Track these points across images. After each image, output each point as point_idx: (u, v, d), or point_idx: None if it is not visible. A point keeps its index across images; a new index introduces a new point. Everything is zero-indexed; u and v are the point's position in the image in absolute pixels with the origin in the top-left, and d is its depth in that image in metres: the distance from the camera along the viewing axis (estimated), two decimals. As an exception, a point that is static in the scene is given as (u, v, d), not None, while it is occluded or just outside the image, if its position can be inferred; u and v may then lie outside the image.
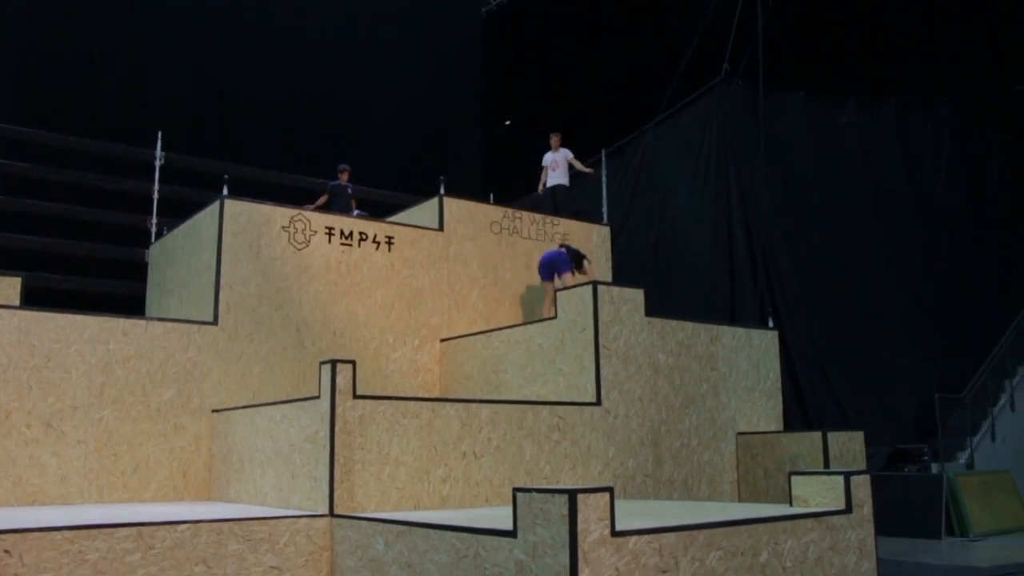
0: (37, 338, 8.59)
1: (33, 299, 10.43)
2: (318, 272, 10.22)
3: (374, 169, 15.51)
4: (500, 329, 10.31)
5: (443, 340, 10.93)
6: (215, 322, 9.43)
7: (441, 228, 11.30)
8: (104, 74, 14.93)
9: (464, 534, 5.56)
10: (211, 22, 16.46)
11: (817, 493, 6.53)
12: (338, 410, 7.01)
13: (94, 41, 15.01)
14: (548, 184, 13.51)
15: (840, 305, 17.57)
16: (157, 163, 12.66)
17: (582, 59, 23.90)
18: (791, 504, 6.65)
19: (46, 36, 14.65)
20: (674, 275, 17.95)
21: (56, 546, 5.83)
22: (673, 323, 9.66)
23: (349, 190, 13.20)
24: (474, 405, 7.86)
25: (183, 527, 6.31)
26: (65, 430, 8.55)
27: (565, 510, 4.85)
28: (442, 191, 11.52)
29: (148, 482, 8.89)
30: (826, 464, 9.30)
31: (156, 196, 12.44)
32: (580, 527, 4.83)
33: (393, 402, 7.38)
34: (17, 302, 9.91)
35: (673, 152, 18.92)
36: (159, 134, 12.87)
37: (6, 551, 5.51)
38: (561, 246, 11.61)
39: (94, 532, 6.01)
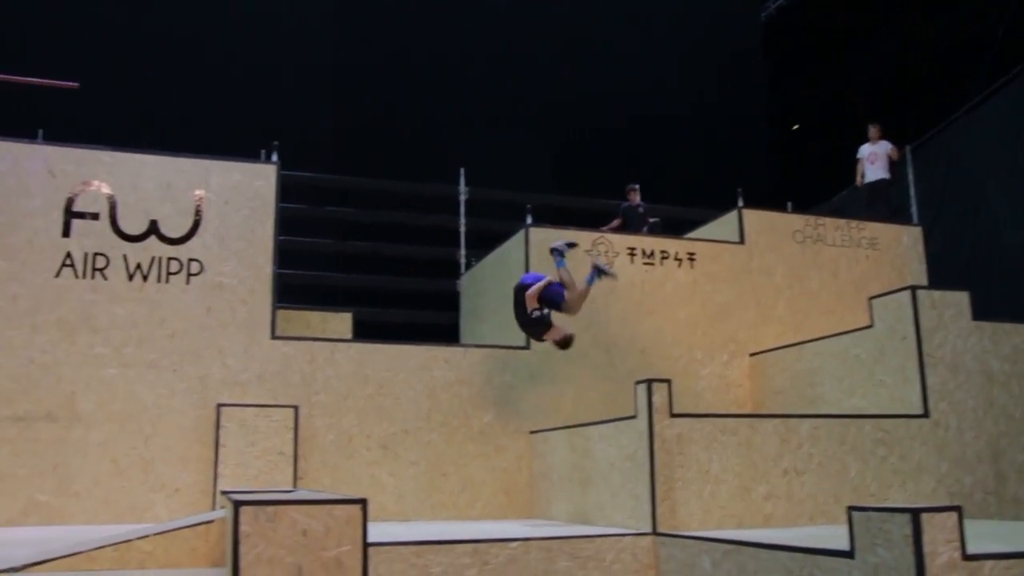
0: (370, 368, 9.36)
1: (362, 332, 11.36)
2: (623, 292, 10.37)
3: (666, 185, 15.53)
4: (812, 341, 9.94)
5: (752, 354, 10.71)
6: (527, 346, 9.80)
7: (742, 241, 11.11)
8: (408, 121, 16.08)
9: (796, 554, 5.39)
10: (494, 62, 17.26)
11: None
12: (656, 428, 7.06)
13: (398, 92, 16.25)
14: (867, 179, 12.82)
15: None
16: (462, 198, 13.39)
17: (873, 50, 22.66)
18: None
19: (356, 93, 16.03)
20: (996, 274, 16.50)
21: (404, 559, 6.26)
22: (1007, 327, 8.88)
23: (640, 209, 13.27)
24: (793, 420, 7.64)
25: (515, 544, 6.58)
26: (399, 452, 9.23)
27: (908, 530, 4.59)
28: (740, 203, 11.36)
29: (475, 500, 9.38)
30: None
31: (463, 229, 13.16)
32: (926, 549, 4.54)
33: (710, 419, 7.32)
34: (349, 335, 10.83)
35: (988, 140, 17.45)
36: (461, 171, 13.62)
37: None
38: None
39: (435, 547, 6.40)
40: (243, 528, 3.74)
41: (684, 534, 6.70)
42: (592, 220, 12.40)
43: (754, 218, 11.30)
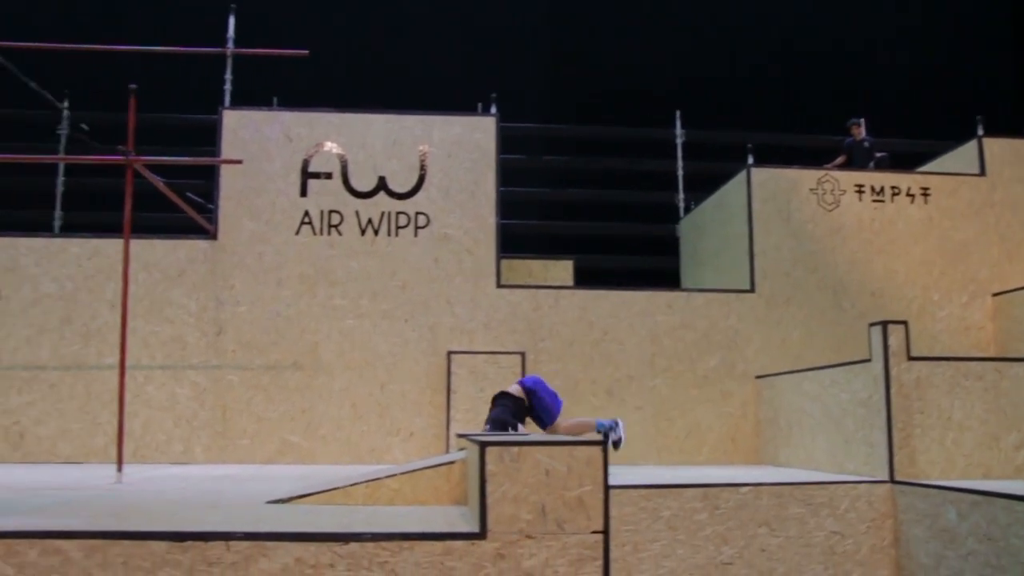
0: (594, 314, 9.47)
1: (583, 279, 11.50)
2: (851, 232, 9.97)
3: (893, 117, 14.70)
4: (1066, 279, 9.26)
5: (995, 295, 10.06)
6: (752, 289, 9.63)
7: (983, 172, 10.40)
8: (622, 66, 15.95)
9: (1058, 507, 5.07)
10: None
11: None
12: (892, 373, 6.78)
13: (610, 38, 16.14)
14: None
15: None
16: (678, 141, 13.21)
17: None
18: None
19: (569, 41, 16.05)
20: None
21: (634, 502, 6.35)
22: None
23: (866, 144, 12.63)
24: (1047, 364, 7.13)
25: (745, 489, 6.52)
26: (624, 397, 9.33)
27: None
28: (980, 132, 10.62)
29: (700, 446, 9.36)
30: None
31: (681, 173, 13.01)
32: None
33: (952, 363, 6.94)
34: (571, 283, 10.99)
35: None
36: (677, 113, 13.41)
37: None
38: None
39: (664, 491, 6.45)
40: (489, 468, 3.90)
41: (926, 483, 6.42)
42: (815, 158, 11.92)
43: (996, 147, 10.54)
